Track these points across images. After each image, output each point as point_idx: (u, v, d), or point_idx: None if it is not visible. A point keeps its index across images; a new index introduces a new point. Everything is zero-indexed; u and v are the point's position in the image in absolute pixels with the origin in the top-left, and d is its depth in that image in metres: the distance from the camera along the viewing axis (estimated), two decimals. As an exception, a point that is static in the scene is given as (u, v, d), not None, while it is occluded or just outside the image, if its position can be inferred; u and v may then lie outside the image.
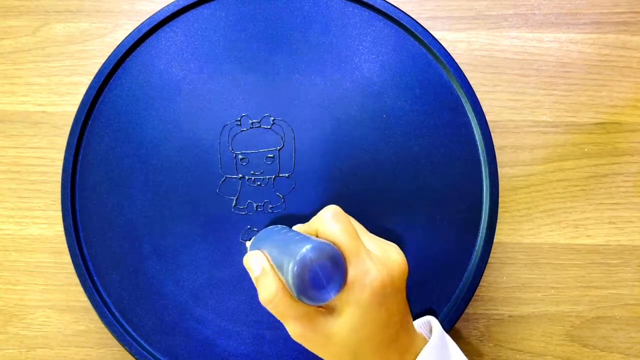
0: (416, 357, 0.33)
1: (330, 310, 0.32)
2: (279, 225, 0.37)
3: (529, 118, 0.50)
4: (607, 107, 0.50)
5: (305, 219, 0.44)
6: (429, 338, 0.35)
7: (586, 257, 0.49)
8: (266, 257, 0.33)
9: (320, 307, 0.33)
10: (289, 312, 0.32)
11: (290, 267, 0.28)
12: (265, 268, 0.33)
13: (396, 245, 0.35)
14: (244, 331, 0.43)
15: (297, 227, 0.37)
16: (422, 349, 0.33)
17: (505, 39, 0.51)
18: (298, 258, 0.28)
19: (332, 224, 0.32)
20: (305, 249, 0.28)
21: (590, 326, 0.49)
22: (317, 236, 0.33)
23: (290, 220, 0.45)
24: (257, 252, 0.34)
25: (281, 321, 0.33)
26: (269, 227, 0.37)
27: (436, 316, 0.42)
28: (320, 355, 0.33)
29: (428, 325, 0.38)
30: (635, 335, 0.48)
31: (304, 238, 0.30)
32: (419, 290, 0.43)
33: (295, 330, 0.32)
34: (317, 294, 0.29)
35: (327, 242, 0.30)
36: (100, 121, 0.45)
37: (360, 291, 0.30)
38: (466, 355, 0.37)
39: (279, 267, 0.31)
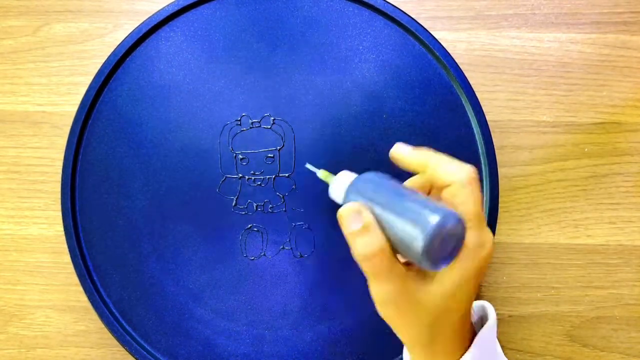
0: (474, 339, 0.33)
1: (422, 274, 0.31)
2: (379, 174, 0.33)
3: (529, 118, 0.50)
4: (607, 107, 0.50)
5: (305, 219, 0.44)
6: (474, 320, 0.35)
7: (586, 257, 0.49)
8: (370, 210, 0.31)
9: (413, 269, 0.32)
10: (387, 272, 0.30)
11: (420, 232, 0.28)
12: (370, 222, 0.30)
13: None
14: (244, 331, 0.43)
15: (412, 181, 0.34)
16: (477, 333, 0.33)
17: (505, 39, 0.51)
18: (434, 223, 0.27)
19: (470, 191, 0.30)
20: (440, 217, 0.28)
21: (590, 326, 0.49)
22: (432, 188, 0.32)
23: (290, 220, 0.45)
24: (358, 204, 0.31)
25: (371, 281, 0.31)
26: (368, 176, 0.33)
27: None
28: (397, 323, 0.32)
29: (483, 308, 0.38)
30: (635, 335, 0.48)
31: (429, 204, 0.29)
32: (419, 290, 0.43)
33: (385, 290, 0.30)
34: (442, 260, 0.29)
35: (454, 212, 0.29)
36: (100, 121, 0.45)
37: (472, 261, 0.30)
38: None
39: (396, 228, 0.29)
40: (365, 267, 0.30)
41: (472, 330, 0.34)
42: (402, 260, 0.32)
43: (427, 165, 0.32)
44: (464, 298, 0.31)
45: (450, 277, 0.30)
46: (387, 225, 0.30)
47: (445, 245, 0.28)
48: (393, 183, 0.32)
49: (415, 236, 0.28)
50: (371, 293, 0.31)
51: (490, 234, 0.31)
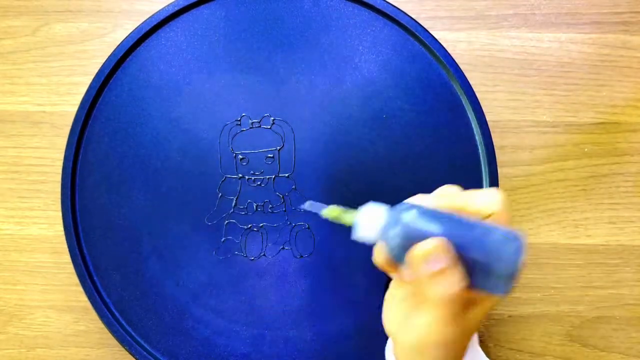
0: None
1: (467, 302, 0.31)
2: (415, 204, 0.30)
3: (529, 118, 0.50)
4: (607, 107, 0.50)
5: (305, 219, 0.44)
6: None
7: (586, 257, 0.49)
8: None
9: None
10: (462, 312, 0.29)
11: (504, 264, 0.28)
12: (456, 260, 0.28)
13: None
14: (244, 331, 0.43)
15: (447, 204, 0.31)
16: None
17: (505, 39, 0.51)
18: (517, 255, 0.28)
19: (507, 213, 0.30)
20: (517, 245, 0.28)
21: (590, 326, 0.49)
22: (472, 213, 0.30)
23: (290, 220, 0.45)
24: (442, 240, 0.28)
25: (442, 322, 0.29)
26: (414, 208, 0.30)
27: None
28: (447, 350, 0.30)
29: None
30: (635, 335, 0.48)
31: (497, 229, 0.29)
32: (419, 290, 0.43)
33: (453, 332, 0.29)
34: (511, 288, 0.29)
35: (514, 230, 0.29)
36: (100, 121, 0.45)
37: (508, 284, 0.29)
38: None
39: (471, 255, 0.28)
40: (446, 309, 0.28)
41: None
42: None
43: (454, 208, 0.31)
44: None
45: (488, 300, 0.31)
46: (464, 256, 0.29)
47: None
48: (446, 211, 0.30)
49: (505, 257, 0.28)
50: (431, 331, 0.29)
51: None
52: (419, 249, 0.28)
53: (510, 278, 0.28)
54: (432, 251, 0.28)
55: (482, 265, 0.28)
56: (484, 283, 0.29)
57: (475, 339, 0.36)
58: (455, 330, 0.29)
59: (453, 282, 0.28)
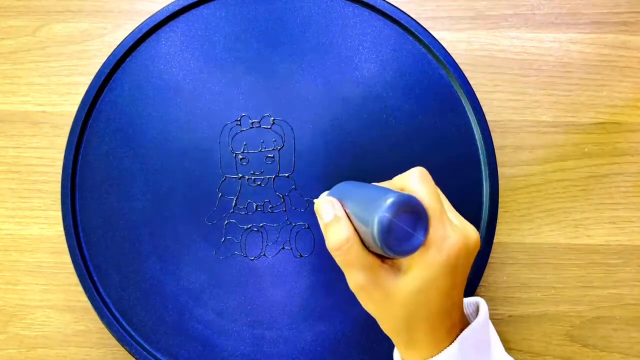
0: (460, 334, 0.33)
1: (396, 268, 0.32)
2: (360, 182, 0.36)
3: (529, 118, 0.50)
4: (607, 107, 0.50)
5: (305, 219, 0.44)
6: (473, 319, 0.35)
7: (586, 257, 0.49)
8: (341, 204, 0.33)
9: (386, 262, 0.32)
10: (357, 261, 0.31)
11: (378, 215, 0.28)
12: (339, 214, 0.32)
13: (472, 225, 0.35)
14: (244, 331, 0.43)
15: (379, 185, 0.36)
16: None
17: (505, 39, 0.51)
18: (386, 205, 0.28)
19: (419, 184, 0.31)
20: (392, 199, 0.28)
21: (590, 326, 0.49)
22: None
23: (290, 220, 0.45)
24: (330, 198, 0.34)
25: (344, 270, 0.32)
26: (346, 182, 0.36)
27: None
28: (373, 312, 0.33)
29: (475, 305, 0.37)
30: (635, 335, 0.48)
31: (390, 190, 0.30)
32: (419, 290, 0.42)
33: (357, 280, 0.32)
34: (399, 245, 0.29)
35: (412, 195, 0.29)
36: (100, 121, 0.45)
37: (436, 254, 0.30)
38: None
39: (360, 217, 0.31)
40: (336, 257, 0.32)
41: (465, 323, 0.34)
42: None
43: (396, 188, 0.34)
44: (435, 294, 0.31)
45: (417, 270, 0.31)
46: (355, 216, 0.31)
47: (403, 232, 0.29)
48: (363, 183, 0.34)
49: (373, 218, 0.28)
50: (348, 279, 0.32)
51: (455, 228, 0.31)
52: (315, 203, 0.35)
53: (378, 235, 0.28)
54: (320, 205, 0.34)
55: (365, 223, 0.30)
56: (373, 242, 0.29)
57: (493, 347, 0.36)
58: (361, 278, 0.31)
59: (337, 231, 0.32)
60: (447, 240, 0.30)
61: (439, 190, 0.34)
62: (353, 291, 0.33)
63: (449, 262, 0.30)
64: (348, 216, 0.32)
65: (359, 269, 0.31)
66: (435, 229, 0.30)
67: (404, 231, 0.29)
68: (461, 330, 0.33)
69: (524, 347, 0.48)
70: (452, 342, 0.32)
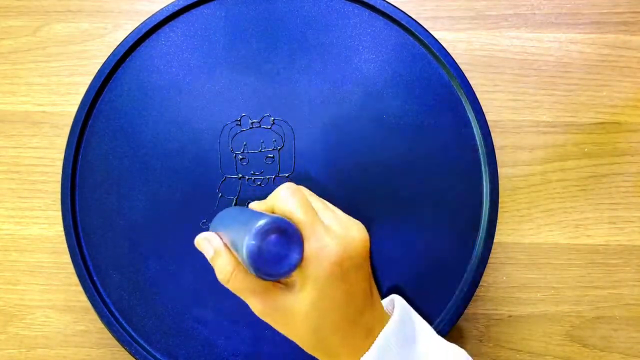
0: (376, 339, 0.33)
1: (290, 287, 0.32)
2: (236, 207, 0.37)
3: (529, 118, 0.50)
4: (607, 107, 0.50)
5: (305, 219, 0.44)
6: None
7: (586, 257, 0.49)
8: (219, 237, 0.34)
9: (280, 282, 0.33)
10: (247, 288, 0.32)
11: (245, 243, 0.28)
12: (218, 248, 0.33)
13: (359, 222, 0.34)
14: (244, 331, 0.43)
15: (253, 205, 0.36)
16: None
17: (505, 39, 0.51)
18: (252, 232, 0.28)
19: (286, 199, 0.31)
20: (259, 224, 0.28)
21: (590, 326, 0.49)
22: (273, 213, 0.33)
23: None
24: (208, 233, 0.34)
25: (243, 299, 0.33)
26: (225, 209, 0.37)
27: (437, 316, 0.42)
28: (284, 332, 0.33)
29: (393, 303, 0.37)
30: (635, 335, 0.48)
31: (258, 214, 0.30)
32: (419, 290, 0.43)
33: (256, 306, 0.32)
34: (273, 269, 0.29)
35: (281, 217, 0.29)
36: (100, 121, 0.45)
37: (318, 266, 0.30)
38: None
39: (234, 245, 0.31)
40: (230, 288, 0.32)
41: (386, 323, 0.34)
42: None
43: (268, 209, 0.34)
44: (331, 305, 0.31)
45: (307, 286, 0.30)
46: (231, 245, 0.31)
47: (274, 254, 0.29)
48: (240, 208, 0.34)
49: (242, 247, 0.28)
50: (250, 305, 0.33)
51: (333, 234, 0.31)
52: (195, 243, 0.35)
53: (248, 259, 0.28)
54: (199, 242, 0.34)
55: (239, 250, 0.29)
56: (249, 268, 0.29)
57: (412, 317, 0.36)
58: (258, 303, 0.32)
59: (221, 264, 0.32)
60: (325, 250, 0.30)
61: (313, 199, 0.34)
62: (259, 316, 0.33)
63: (333, 271, 0.30)
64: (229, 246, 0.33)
65: (254, 295, 0.32)
66: (310, 243, 0.30)
67: (274, 254, 0.29)
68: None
69: (524, 347, 0.48)
70: (370, 347, 0.32)
